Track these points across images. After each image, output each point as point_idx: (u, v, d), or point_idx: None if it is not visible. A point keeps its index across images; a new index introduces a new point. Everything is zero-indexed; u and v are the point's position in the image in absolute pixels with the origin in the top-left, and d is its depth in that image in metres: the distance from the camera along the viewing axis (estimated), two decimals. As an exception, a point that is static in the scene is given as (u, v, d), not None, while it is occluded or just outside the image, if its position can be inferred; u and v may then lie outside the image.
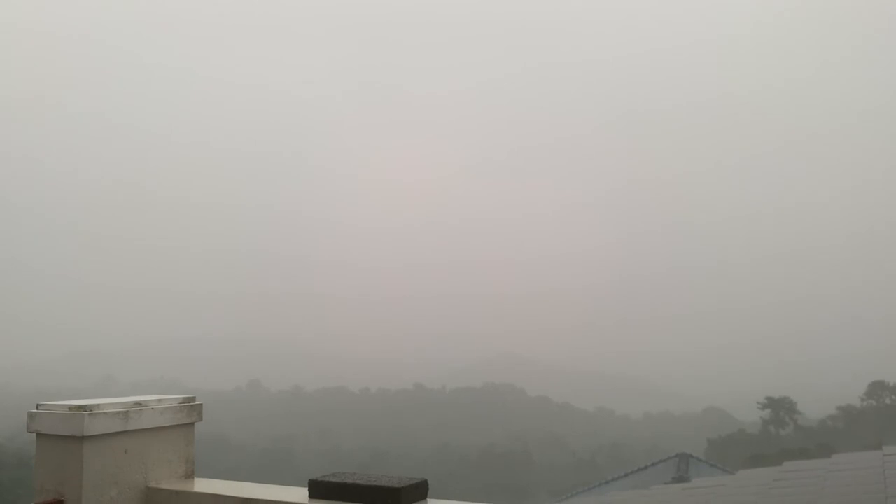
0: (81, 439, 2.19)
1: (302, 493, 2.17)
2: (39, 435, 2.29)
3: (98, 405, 2.28)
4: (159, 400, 2.48)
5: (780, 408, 64.23)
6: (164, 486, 2.40)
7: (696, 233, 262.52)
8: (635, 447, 65.92)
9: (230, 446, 64.87)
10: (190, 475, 2.55)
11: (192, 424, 2.59)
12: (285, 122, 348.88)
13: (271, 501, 2.15)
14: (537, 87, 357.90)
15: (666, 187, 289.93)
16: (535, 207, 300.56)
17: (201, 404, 2.62)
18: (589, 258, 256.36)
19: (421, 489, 2.10)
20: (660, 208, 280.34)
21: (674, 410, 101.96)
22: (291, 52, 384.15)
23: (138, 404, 2.39)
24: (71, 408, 2.24)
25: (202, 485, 2.45)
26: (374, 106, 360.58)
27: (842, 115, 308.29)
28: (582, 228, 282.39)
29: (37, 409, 2.32)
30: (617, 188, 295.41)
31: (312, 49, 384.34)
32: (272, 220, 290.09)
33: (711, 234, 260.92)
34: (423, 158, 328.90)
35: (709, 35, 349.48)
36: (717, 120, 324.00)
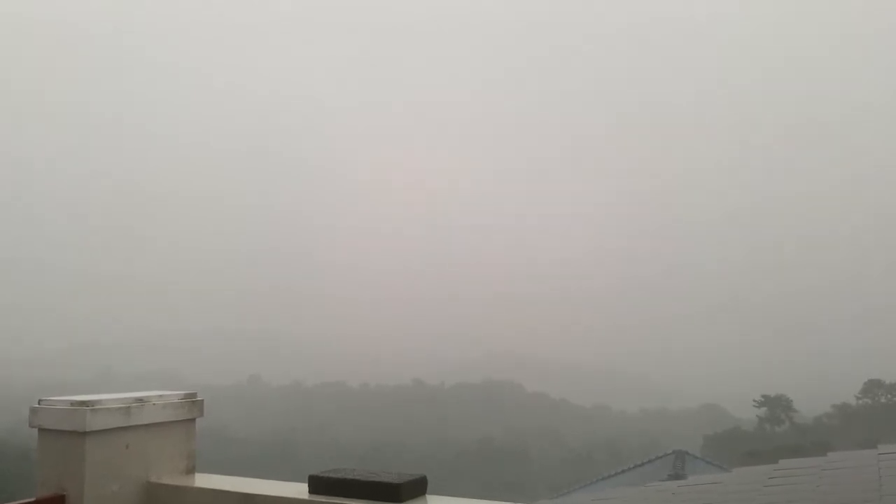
0: (83, 434, 2.21)
1: (302, 488, 2.19)
2: (41, 430, 2.31)
3: (100, 400, 2.30)
4: (161, 395, 2.50)
5: (776, 405, 64.33)
6: (166, 481, 2.42)
7: (694, 232, 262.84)
8: (632, 444, 65.95)
9: (230, 441, 64.81)
10: (191, 470, 2.57)
11: (193, 420, 2.61)
12: (285, 122, 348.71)
13: (271, 497, 2.18)
14: (540, 87, 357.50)
15: (664, 188, 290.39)
16: (534, 208, 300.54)
17: (202, 400, 2.64)
18: (588, 257, 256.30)
19: (420, 485, 2.13)
20: (660, 208, 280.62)
21: (670, 407, 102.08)
22: (292, 53, 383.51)
23: (140, 400, 2.41)
24: (73, 403, 2.26)
25: (203, 480, 2.47)
26: (374, 106, 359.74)
27: (843, 114, 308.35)
28: (581, 228, 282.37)
29: (39, 404, 2.34)
30: (617, 189, 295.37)
31: (313, 49, 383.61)
32: (272, 219, 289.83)
33: (710, 234, 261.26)
34: (423, 159, 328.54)
35: (713, 35, 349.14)
36: (717, 119, 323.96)
